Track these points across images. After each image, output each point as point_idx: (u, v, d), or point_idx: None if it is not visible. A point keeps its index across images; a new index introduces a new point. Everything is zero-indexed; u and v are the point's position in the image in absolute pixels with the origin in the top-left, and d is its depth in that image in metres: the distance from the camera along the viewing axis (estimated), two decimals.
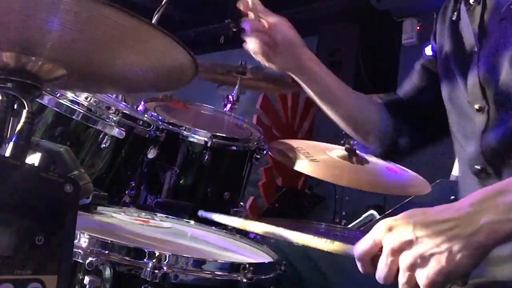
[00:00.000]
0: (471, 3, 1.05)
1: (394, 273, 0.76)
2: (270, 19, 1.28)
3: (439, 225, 0.74)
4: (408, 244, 0.74)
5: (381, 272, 0.77)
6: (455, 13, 1.11)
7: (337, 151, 1.89)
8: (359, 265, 0.81)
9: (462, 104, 1.07)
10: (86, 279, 0.89)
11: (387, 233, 0.77)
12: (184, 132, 1.89)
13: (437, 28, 1.23)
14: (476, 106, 1.01)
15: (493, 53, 0.98)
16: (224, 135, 1.93)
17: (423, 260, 0.73)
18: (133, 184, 1.76)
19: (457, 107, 1.10)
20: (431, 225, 0.74)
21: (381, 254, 0.77)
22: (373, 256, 0.79)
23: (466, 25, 1.06)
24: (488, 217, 0.73)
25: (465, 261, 0.72)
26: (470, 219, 0.74)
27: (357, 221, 2.85)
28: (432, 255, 0.73)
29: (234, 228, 1.24)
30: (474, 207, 0.75)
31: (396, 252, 0.75)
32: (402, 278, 0.75)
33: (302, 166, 1.83)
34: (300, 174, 1.85)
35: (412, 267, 0.74)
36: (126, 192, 1.74)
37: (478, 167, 0.99)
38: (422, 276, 0.73)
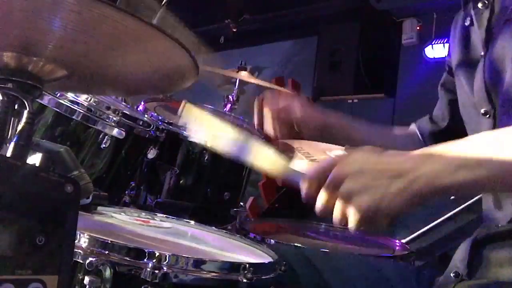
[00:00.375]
0: (480, 7, 1.06)
1: (332, 202, 0.80)
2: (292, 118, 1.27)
3: (384, 165, 0.79)
4: (352, 175, 0.79)
5: (320, 200, 0.81)
6: (467, 18, 1.12)
7: (337, 151, 1.89)
8: (303, 187, 0.84)
9: (469, 109, 1.07)
10: (86, 279, 0.89)
11: (336, 163, 0.82)
12: (184, 132, 1.89)
13: (450, 39, 1.25)
14: (482, 110, 1.01)
15: (498, 56, 0.98)
16: None
17: (360, 191, 0.77)
18: (133, 184, 1.77)
19: (467, 112, 1.10)
20: (379, 164, 0.79)
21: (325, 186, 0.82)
22: (319, 181, 0.83)
23: (475, 30, 1.07)
24: (430, 167, 0.76)
25: (397, 203, 0.76)
26: (413, 165, 0.77)
27: None
28: (369, 188, 0.77)
29: (234, 228, 1.24)
30: (420, 157, 0.79)
31: (339, 180, 0.79)
32: (337, 207, 0.80)
33: (302, 166, 1.83)
34: None
35: (348, 196, 0.78)
36: (126, 192, 1.75)
37: None
38: (354, 205, 0.77)
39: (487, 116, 1.01)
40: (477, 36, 1.06)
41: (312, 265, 1.17)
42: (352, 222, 0.79)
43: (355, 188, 0.78)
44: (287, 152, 1.90)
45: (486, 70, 1.01)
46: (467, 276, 0.94)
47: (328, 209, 0.81)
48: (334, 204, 0.81)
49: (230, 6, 4.31)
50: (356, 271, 1.15)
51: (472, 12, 1.08)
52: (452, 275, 0.95)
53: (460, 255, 0.98)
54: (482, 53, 1.03)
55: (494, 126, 0.99)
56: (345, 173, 0.80)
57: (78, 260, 0.90)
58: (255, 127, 1.30)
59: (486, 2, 1.04)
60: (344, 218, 0.80)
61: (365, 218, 0.78)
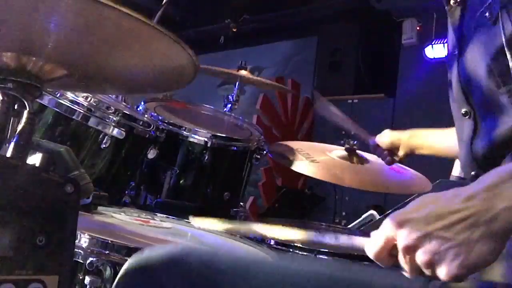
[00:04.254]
0: (452, 4, 1.03)
1: (417, 267, 0.72)
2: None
3: (454, 215, 0.69)
4: (422, 240, 0.70)
5: (404, 268, 0.74)
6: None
7: (337, 151, 1.89)
8: (378, 263, 0.76)
9: (454, 107, 1.06)
10: (87, 279, 0.89)
11: (399, 229, 0.72)
12: (184, 132, 1.89)
13: None
14: (462, 111, 1.00)
15: (470, 60, 0.96)
16: (224, 135, 1.93)
17: (440, 255, 0.69)
18: (133, 184, 1.77)
19: (453, 110, 1.09)
20: (445, 216, 0.69)
21: (398, 250, 0.73)
22: (390, 251, 0.75)
23: (449, 27, 1.05)
24: (504, 203, 0.68)
25: (485, 251, 0.68)
26: (486, 205, 0.69)
27: (357, 221, 2.84)
28: (449, 248, 0.68)
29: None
30: (489, 192, 0.70)
31: (412, 249, 0.71)
32: (425, 273, 0.72)
33: (302, 167, 1.83)
34: (300, 174, 1.85)
35: (430, 264, 0.70)
36: (126, 192, 1.74)
37: (472, 172, 0.99)
38: (442, 271, 0.69)
39: (467, 116, 0.99)
40: (450, 33, 1.04)
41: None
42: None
43: (434, 255, 0.69)
44: (287, 153, 1.91)
45: (460, 72, 0.99)
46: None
47: (417, 272, 0.73)
48: (418, 265, 0.72)
49: (230, 6, 4.31)
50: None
51: (446, 9, 1.05)
52: None
53: None
54: (456, 53, 1.01)
55: (475, 127, 0.97)
56: (414, 242, 0.70)
57: (79, 260, 0.90)
58: None
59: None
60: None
61: (460, 277, 0.69)
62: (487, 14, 0.91)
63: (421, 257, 0.70)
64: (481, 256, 0.68)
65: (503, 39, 0.86)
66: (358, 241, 0.80)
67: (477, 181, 0.73)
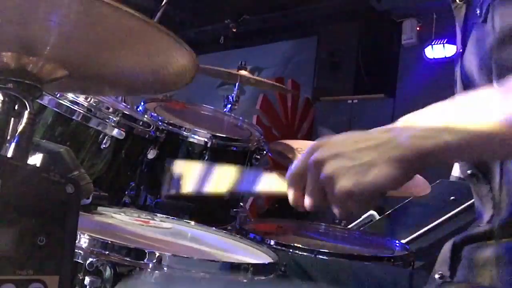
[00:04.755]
0: (458, 1, 1.03)
1: (317, 182, 0.76)
2: None
3: (365, 142, 0.75)
4: (333, 157, 0.75)
5: (308, 190, 0.77)
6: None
7: None
8: (290, 191, 0.81)
9: None
10: (87, 280, 0.89)
11: (317, 148, 0.77)
12: (184, 132, 1.89)
13: None
14: None
15: (468, 58, 0.97)
16: (224, 135, 1.93)
17: (341, 171, 0.74)
18: (133, 184, 1.77)
19: None
20: (358, 142, 0.75)
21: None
22: (302, 174, 0.79)
23: (456, 25, 1.05)
24: (411, 132, 0.73)
25: (383, 174, 0.72)
26: (393, 135, 0.74)
27: (357, 221, 2.85)
28: (351, 167, 0.73)
29: (234, 228, 1.24)
30: (403, 126, 0.77)
31: (320, 163, 0.76)
32: (323, 191, 0.76)
33: None
34: None
35: (331, 179, 0.74)
36: (126, 192, 1.74)
37: (469, 171, 0.99)
38: (338, 186, 0.74)
39: None
40: (457, 31, 1.04)
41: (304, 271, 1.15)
42: (338, 208, 0.76)
43: (335, 171, 0.74)
44: (287, 153, 1.91)
45: (461, 70, 1.00)
46: (450, 277, 0.93)
47: (317, 197, 0.77)
48: (321, 188, 0.76)
49: (230, 6, 4.31)
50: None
51: (452, 7, 1.05)
52: (437, 276, 0.94)
53: (442, 256, 0.96)
54: (461, 51, 1.01)
55: None
56: (322, 159, 0.75)
57: (79, 261, 0.90)
58: None
59: None
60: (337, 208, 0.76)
61: (352, 200, 0.74)
62: (477, 11, 0.91)
63: (325, 169, 0.75)
64: (377, 178, 0.72)
65: (491, 37, 0.86)
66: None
67: (401, 118, 0.80)
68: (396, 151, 0.72)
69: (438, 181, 2.47)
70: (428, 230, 2.49)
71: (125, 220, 1.30)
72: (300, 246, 1.42)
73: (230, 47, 5.19)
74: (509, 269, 0.85)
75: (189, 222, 1.41)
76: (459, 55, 1.02)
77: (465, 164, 1.01)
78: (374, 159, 0.73)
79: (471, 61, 0.95)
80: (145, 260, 0.91)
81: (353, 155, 0.74)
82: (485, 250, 0.87)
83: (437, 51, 4.23)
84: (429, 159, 0.72)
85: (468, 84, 0.98)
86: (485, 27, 0.89)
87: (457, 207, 2.45)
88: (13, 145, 0.76)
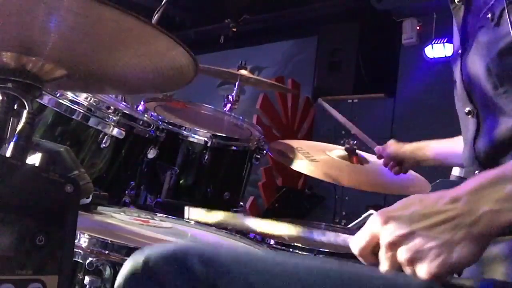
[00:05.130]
0: (456, 2, 1.03)
1: (396, 265, 0.74)
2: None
3: (438, 216, 0.71)
4: (405, 238, 0.72)
5: (384, 265, 0.76)
6: None
7: (337, 151, 1.89)
8: (360, 259, 0.79)
9: (459, 105, 1.06)
10: (86, 279, 0.89)
11: (384, 226, 0.74)
12: (184, 132, 1.89)
13: None
14: (466, 110, 1.00)
15: (472, 60, 0.96)
16: (224, 135, 1.93)
17: (422, 254, 0.71)
18: (133, 184, 1.76)
19: (458, 108, 1.09)
20: (429, 216, 0.72)
21: (380, 247, 0.75)
22: (373, 248, 0.76)
23: (454, 26, 1.05)
24: (487, 206, 0.70)
25: (466, 252, 0.70)
26: (469, 208, 0.71)
27: (357, 221, 2.84)
28: (431, 248, 0.70)
29: (234, 228, 1.23)
30: (473, 195, 0.72)
31: (394, 246, 0.73)
32: (406, 271, 0.73)
33: (302, 166, 1.83)
34: (300, 174, 1.86)
35: (412, 261, 0.72)
36: (126, 192, 1.74)
37: (476, 172, 0.99)
38: (422, 270, 0.71)
39: (470, 115, 0.99)
40: (455, 32, 1.04)
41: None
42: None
43: (415, 253, 0.71)
44: (287, 152, 1.91)
45: (463, 70, 1.00)
46: (458, 274, 0.93)
47: (395, 270, 0.74)
48: (398, 264, 0.73)
49: (230, 6, 4.31)
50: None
51: (451, 7, 1.05)
52: None
53: None
54: (460, 52, 1.01)
55: (478, 126, 0.98)
56: (396, 240, 0.72)
57: (78, 260, 0.90)
58: None
59: None
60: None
61: (438, 277, 0.71)
62: (489, 15, 0.91)
63: (403, 254, 0.72)
64: (461, 257, 0.70)
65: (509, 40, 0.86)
66: (344, 237, 0.81)
67: (463, 184, 0.75)
68: (476, 228, 0.70)
69: (438, 181, 2.47)
70: None
71: (125, 220, 1.29)
72: (300, 245, 1.42)
73: (230, 47, 5.18)
74: None
75: (189, 222, 1.41)
76: (458, 55, 1.02)
77: (471, 164, 1.01)
78: (453, 237, 0.70)
79: (475, 63, 0.95)
80: None
81: (429, 233, 0.71)
82: (493, 247, 0.87)
83: (437, 50, 4.22)
84: (505, 230, 0.71)
85: (470, 86, 0.98)
86: (498, 31, 0.88)
87: None
88: (12, 144, 0.76)
